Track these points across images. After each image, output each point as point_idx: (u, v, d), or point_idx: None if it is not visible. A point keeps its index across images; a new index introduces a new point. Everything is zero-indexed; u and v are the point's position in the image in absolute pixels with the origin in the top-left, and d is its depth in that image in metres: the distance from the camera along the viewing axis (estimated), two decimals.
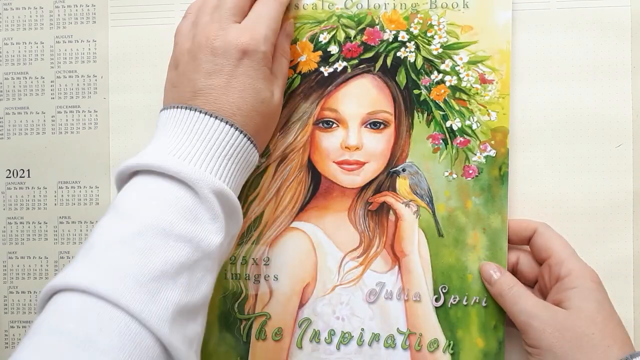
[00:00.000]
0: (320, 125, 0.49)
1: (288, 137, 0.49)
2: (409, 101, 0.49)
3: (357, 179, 0.49)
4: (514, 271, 0.48)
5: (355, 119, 0.49)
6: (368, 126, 0.49)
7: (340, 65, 0.49)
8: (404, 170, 0.49)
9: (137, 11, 0.52)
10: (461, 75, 0.48)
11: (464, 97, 0.48)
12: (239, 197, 0.47)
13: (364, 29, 0.49)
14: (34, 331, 0.33)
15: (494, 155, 0.48)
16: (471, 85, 0.48)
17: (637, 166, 0.48)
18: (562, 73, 0.49)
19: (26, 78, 0.54)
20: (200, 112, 0.40)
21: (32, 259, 0.54)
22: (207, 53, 0.42)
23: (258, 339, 0.49)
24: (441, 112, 0.48)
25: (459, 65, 0.48)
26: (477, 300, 0.47)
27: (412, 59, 0.49)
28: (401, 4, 0.49)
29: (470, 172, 0.48)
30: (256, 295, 0.49)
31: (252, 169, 0.44)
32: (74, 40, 0.53)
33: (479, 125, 0.48)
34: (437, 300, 0.48)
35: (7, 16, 0.54)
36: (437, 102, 0.49)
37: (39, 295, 0.35)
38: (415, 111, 0.49)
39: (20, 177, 0.54)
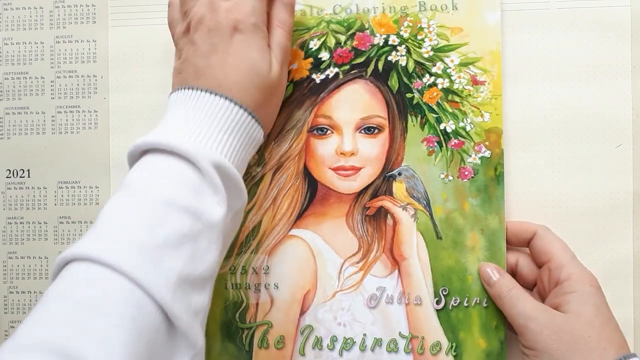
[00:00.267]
0: (315, 132, 0.49)
1: (283, 145, 0.49)
2: (402, 105, 0.49)
3: (354, 184, 0.49)
4: (513, 273, 0.48)
5: (349, 124, 0.49)
6: (362, 131, 0.49)
7: (331, 71, 0.49)
8: (399, 174, 0.48)
9: (137, 11, 0.53)
10: (453, 78, 0.48)
11: (457, 99, 0.48)
12: None
13: (354, 34, 0.49)
14: (44, 299, 0.34)
15: (489, 156, 0.48)
16: (463, 87, 0.48)
17: (637, 166, 0.48)
18: (562, 73, 0.49)
19: (26, 78, 0.54)
20: (200, 90, 0.41)
21: (32, 259, 0.54)
22: (202, 35, 0.43)
23: (260, 347, 0.49)
24: (434, 115, 0.48)
25: (450, 68, 0.48)
26: (477, 301, 0.47)
27: (403, 63, 0.49)
28: (390, 8, 0.49)
29: (466, 173, 0.48)
30: (257, 304, 0.49)
31: (257, 146, 0.44)
32: (74, 40, 0.53)
33: (472, 126, 0.48)
34: (438, 302, 0.47)
35: (7, 16, 0.54)
36: (430, 105, 0.48)
37: (51, 267, 0.37)
38: (408, 115, 0.49)
39: (20, 177, 0.54)
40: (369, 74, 0.49)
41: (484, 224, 0.47)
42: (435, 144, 0.48)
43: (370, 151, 0.49)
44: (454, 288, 0.47)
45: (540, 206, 0.49)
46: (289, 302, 0.49)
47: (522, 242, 0.47)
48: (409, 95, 0.49)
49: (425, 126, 0.48)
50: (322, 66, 0.49)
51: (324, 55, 0.49)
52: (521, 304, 0.44)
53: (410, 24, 0.49)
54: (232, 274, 0.49)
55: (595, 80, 0.49)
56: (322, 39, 0.49)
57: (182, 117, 0.41)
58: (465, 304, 0.47)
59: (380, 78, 0.49)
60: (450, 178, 0.48)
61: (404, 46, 0.49)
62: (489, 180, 0.48)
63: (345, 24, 0.49)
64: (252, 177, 0.49)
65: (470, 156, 0.48)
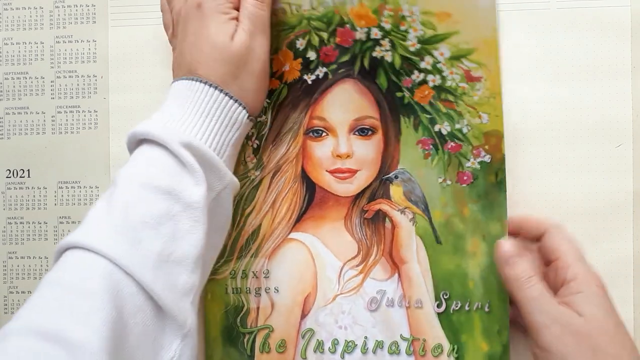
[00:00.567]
0: (311, 134, 0.48)
1: (281, 149, 0.49)
2: (393, 105, 0.47)
3: (351, 187, 0.48)
4: None
5: (343, 126, 0.48)
6: (356, 133, 0.48)
7: (321, 71, 0.48)
8: (396, 177, 0.48)
9: (137, 11, 0.52)
10: (444, 74, 0.45)
11: (450, 98, 0.46)
12: (236, 210, 0.48)
13: (335, 29, 0.47)
14: (37, 287, 0.36)
15: (489, 161, 0.46)
16: (457, 84, 0.45)
17: (637, 166, 0.48)
18: (562, 73, 0.49)
19: (26, 78, 0.54)
20: (179, 79, 0.43)
21: (32, 259, 0.54)
22: (181, 25, 0.45)
23: (262, 351, 0.48)
24: (428, 116, 0.46)
25: (440, 62, 0.45)
26: (479, 306, 0.46)
27: (389, 59, 0.46)
28: None
29: (465, 178, 0.46)
30: (258, 308, 0.49)
31: (240, 126, 0.43)
32: (74, 40, 0.53)
33: (469, 128, 0.46)
34: (439, 306, 0.47)
35: (7, 16, 0.54)
36: (423, 105, 0.47)
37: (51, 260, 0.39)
38: (400, 115, 0.47)
39: (20, 177, 0.54)
40: (356, 72, 0.47)
41: (486, 230, 0.46)
42: (431, 146, 0.47)
43: (366, 153, 0.48)
44: (455, 292, 0.47)
45: (540, 206, 0.49)
46: (290, 306, 0.48)
47: (532, 237, 0.47)
48: (398, 94, 0.47)
49: (419, 128, 0.47)
50: (311, 66, 0.48)
51: (312, 55, 0.48)
52: (543, 300, 0.42)
53: (391, 13, 0.45)
54: (233, 279, 0.49)
55: (595, 80, 0.49)
56: (307, 38, 0.47)
57: (166, 107, 0.42)
58: (467, 308, 0.47)
59: (368, 76, 0.47)
60: (449, 182, 0.46)
61: (387, 39, 0.46)
62: (489, 186, 0.46)
63: (325, 20, 0.47)
64: (251, 181, 0.49)
65: (469, 160, 0.46)
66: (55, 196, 0.53)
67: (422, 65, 0.46)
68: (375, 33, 0.47)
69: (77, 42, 0.53)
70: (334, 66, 0.48)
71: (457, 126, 0.46)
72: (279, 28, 0.47)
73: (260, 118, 0.48)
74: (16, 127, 0.54)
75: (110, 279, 0.35)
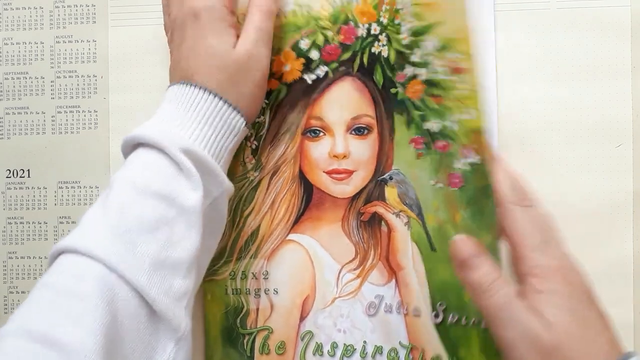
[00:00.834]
0: (308, 134, 0.48)
1: (279, 149, 0.48)
2: (388, 101, 0.47)
3: (348, 188, 0.48)
4: None
5: (340, 125, 0.48)
6: (353, 132, 0.47)
7: (322, 70, 0.47)
8: (391, 178, 0.47)
9: (137, 11, 0.52)
10: (433, 66, 0.45)
11: (439, 92, 0.45)
12: (235, 211, 0.48)
13: (340, 28, 0.47)
14: (31, 290, 0.36)
15: (479, 162, 0.44)
16: (445, 76, 0.44)
17: (637, 166, 0.48)
18: (562, 73, 0.49)
19: (26, 78, 0.54)
20: (175, 84, 0.43)
21: (32, 259, 0.54)
22: (177, 32, 0.45)
23: (262, 353, 0.48)
24: (419, 112, 0.46)
25: (429, 54, 0.45)
26: (476, 322, 0.45)
27: (385, 54, 0.46)
28: None
29: (456, 181, 0.45)
30: (257, 309, 0.48)
31: (237, 133, 0.43)
32: (74, 40, 0.53)
33: (458, 125, 0.44)
34: (436, 316, 0.46)
35: (7, 16, 0.54)
36: (414, 100, 0.46)
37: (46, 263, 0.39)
38: (394, 112, 0.47)
39: (20, 177, 0.54)
40: (355, 69, 0.47)
41: (478, 239, 0.41)
42: (423, 145, 0.46)
43: (362, 153, 0.48)
44: (451, 304, 0.46)
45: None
46: (289, 308, 0.48)
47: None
48: (393, 90, 0.46)
49: (412, 125, 0.46)
50: (313, 66, 0.48)
51: (314, 55, 0.47)
52: (513, 312, 0.36)
53: (388, 7, 0.46)
54: (232, 280, 0.49)
55: (595, 80, 0.49)
56: (312, 38, 0.47)
57: (162, 111, 0.42)
58: (464, 322, 0.45)
59: (366, 73, 0.47)
60: (441, 185, 0.45)
61: (384, 34, 0.46)
62: (479, 191, 0.44)
63: (332, 19, 0.47)
64: (250, 182, 0.49)
65: (459, 161, 0.45)
66: (55, 196, 0.53)
67: (413, 58, 0.46)
68: (375, 28, 0.47)
69: (77, 42, 0.53)
70: (335, 64, 0.47)
71: (446, 123, 0.45)
72: (285, 30, 0.47)
73: (258, 119, 0.48)
74: (16, 127, 0.54)
75: (105, 282, 0.35)
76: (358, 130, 0.48)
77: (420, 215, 0.47)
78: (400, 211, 0.47)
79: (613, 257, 0.48)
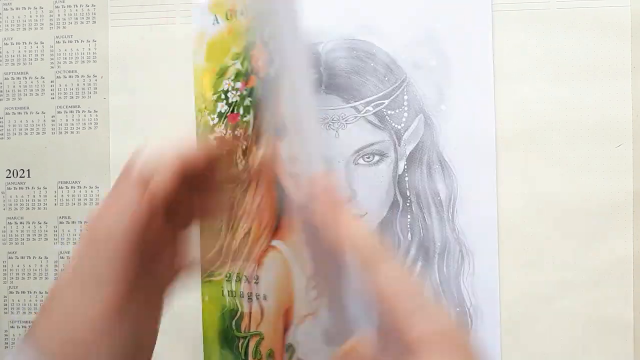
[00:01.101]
0: (279, 134, 0.46)
1: (260, 150, 0.48)
2: None
3: None
4: None
5: None
6: None
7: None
8: None
9: (137, 11, 0.52)
10: None
11: None
12: (230, 212, 0.48)
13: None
14: None
15: None
16: None
17: (637, 166, 0.48)
18: (562, 73, 0.49)
19: (26, 78, 0.54)
20: None
21: (32, 259, 0.54)
22: None
23: (255, 358, 0.48)
24: None
25: None
26: None
27: None
28: None
29: None
30: (250, 313, 0.48)
31: None
32: (74, 40, 0.53)
33: None
34: None
35: (7, 16, 0.54)
36: None
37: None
38: None
39: (20, 177, 0.54)
40: None
41: None
42: None
43: None
44: None
45: (539, 206, 0.49)
46: (276, 316, 0.48)
47: None
48: None
49: None
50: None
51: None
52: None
53: None
54: (228, 281, 0.49)
55: (595, 80, 0.49)
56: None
57: None
58: None
59: None
60: None
61: None
62: None
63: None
64: (242, 183, 0.48)
65: None
66: (55, 196, 0.53)
67: None
68: None
69: (77, 42, 0.53)
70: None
71: None
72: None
73: (245, 118, 0.48)
74: (16, 127, 0.54)
75: None
76: None
77: None
78: None
79: (613, 257, 0.48)
